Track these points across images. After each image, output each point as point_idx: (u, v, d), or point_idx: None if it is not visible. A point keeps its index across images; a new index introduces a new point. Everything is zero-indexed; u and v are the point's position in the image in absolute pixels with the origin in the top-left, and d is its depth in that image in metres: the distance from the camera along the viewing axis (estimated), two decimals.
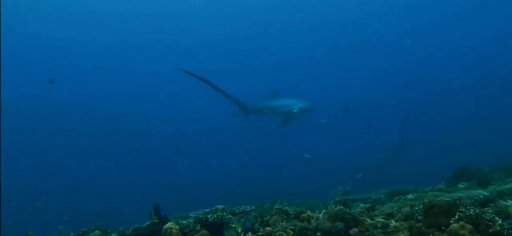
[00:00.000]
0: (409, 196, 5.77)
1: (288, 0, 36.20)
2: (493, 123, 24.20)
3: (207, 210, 5.32)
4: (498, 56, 28.97)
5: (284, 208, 5.71)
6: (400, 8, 34.78)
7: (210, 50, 37.73)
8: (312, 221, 5.30)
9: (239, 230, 4.72)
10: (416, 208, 4.82)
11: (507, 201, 4.95)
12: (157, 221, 4.86)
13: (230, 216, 5.09)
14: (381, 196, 6.87)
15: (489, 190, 5.44)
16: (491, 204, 4.86)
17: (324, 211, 5.35)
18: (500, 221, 4.05)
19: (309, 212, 5.81)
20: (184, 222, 4.71)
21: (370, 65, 33.96)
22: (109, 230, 5.74)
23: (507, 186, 5.52)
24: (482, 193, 5.08)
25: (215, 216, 4.83)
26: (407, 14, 34.86)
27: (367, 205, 6.41)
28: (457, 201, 4.67)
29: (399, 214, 5.08)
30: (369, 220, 5.08)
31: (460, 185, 6.22)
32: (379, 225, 4.90)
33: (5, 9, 30.97)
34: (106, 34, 37.41)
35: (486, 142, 20.45)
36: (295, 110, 15.40)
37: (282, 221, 5.30)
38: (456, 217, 4.26)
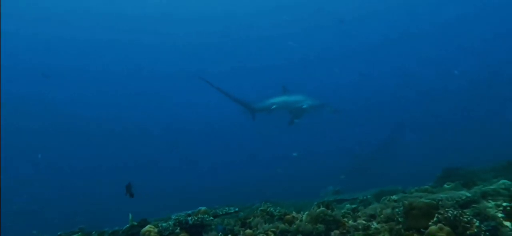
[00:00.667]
0: (394, 197, 5.73)
1: (287, 1, 36.20)
2: (490, 123, 24.08)
3: (189, 211, 5.30)
4: (497, 55, 28.82)
5: (268, 210, 5.69)
6: (399, 8, 34.73)
7: (209, 50, 37.74)
8: (296, 222, 5.27)
9: (220, 234, 4.69)
10: (397, 209, 4.79)
11: (489, 202, 4.91)
12: (135, 223, 4.84)
13: (211, 218, 5.07)
14: (368, 196, 6.84)
15: (473, 190, 5.40)
16: (473, 205, 4.81)
17: (306, 213, 5.32)
18: (477, 223, 4.01)
19: (294, 214, 5.76)
20: (163, 224, 4.68)
21: (368, 65, 33.91)
22: (93, 233, 5.72)
23: (492, 187, 5.49)
24: (464, 194, 5.04)
25: (196, 218, 4.80)
26: (406, 15, 34.79)
27: (354, 206, 6.37)
28: (439, 203, 4.63)
29: (381, 215, 5.04)
30: (350, 222, 5.05)
31: (445, 186, 6.17)
32: (360, 227, 4.87)
33: (5, 9, 31.02)
34: (106, 34, 37.44)
35: (482, 142, 20.34)
36: (304, 106, 15.19)
37: (265, 223, 5.28)
38: (435, 219, 4.22)
